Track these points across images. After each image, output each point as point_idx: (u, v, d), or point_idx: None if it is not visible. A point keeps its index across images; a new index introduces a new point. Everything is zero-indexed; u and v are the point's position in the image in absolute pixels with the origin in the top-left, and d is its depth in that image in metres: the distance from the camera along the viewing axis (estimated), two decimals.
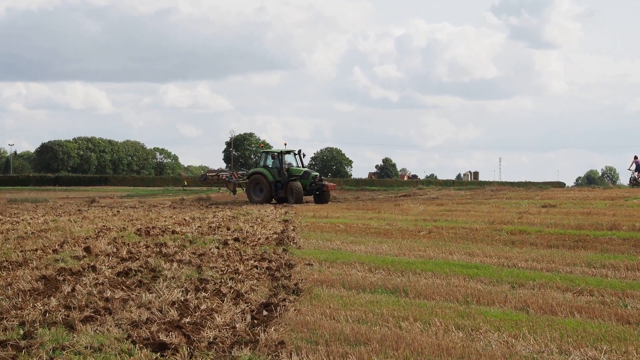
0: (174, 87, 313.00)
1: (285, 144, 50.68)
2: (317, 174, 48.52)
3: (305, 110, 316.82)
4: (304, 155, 50.06)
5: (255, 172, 48.92)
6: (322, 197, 47.57)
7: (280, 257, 16.65)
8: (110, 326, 9.47)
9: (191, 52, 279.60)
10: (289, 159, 49.09)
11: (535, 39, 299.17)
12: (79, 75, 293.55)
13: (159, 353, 8.32)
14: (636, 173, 55.29)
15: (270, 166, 48.07)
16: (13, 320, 9.70)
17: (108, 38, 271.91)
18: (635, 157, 55.42)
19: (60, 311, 10.24)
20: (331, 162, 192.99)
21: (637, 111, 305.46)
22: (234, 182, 53.42)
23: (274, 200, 47.73)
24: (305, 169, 48.04)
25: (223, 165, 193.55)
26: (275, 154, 48.59)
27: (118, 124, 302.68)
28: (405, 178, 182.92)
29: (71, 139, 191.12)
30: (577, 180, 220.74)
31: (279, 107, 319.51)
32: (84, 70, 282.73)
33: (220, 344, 8.73)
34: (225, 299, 11.33)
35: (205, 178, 56.14)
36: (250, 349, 8.56)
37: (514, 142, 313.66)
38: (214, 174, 56.01)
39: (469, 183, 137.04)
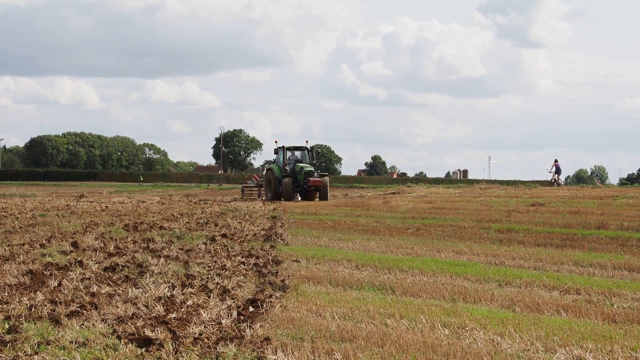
0: (162, 83, 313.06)
1: (307, 141, 49.32)
2: (312, 169, 46.65)
3: (293, 107, 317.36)
4: (318, 153, 49.28)
5: (268, 169, 48.45)
6: (319, 193, 46.10)
7: (268, 254, 16.63)
8: (96, 321, 9.44)
9: (179, 48, 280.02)
10: (299, 155, 48.20)
11: (522, 37, 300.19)
12: (67, 70, 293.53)
13: (144, 348, 8.29)
14: (556, 175, 59.51)
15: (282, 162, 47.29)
16: None
17: (96, 33, 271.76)
18: (556, 161, 59.30)
19: (46, 306, 10.20)
20: (320, 159, 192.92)
21: (625, 110, 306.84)
22: (257, 184, 53.77)
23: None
24: (303, 164, 46.73)
25: (212, 162, 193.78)
26: (279, 149, 47.65)
27: (106, 119, 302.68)
28: (395, 176, 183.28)
29: (60, 134, 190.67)
30: (566, 179, 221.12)
31: (267, 104, 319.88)
32: (72, 65, 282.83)
33: (206, 340, 8.71)
34: (212, 294, 11.30)
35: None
36: (235, 344, 8.53)
37: (502, 141, 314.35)
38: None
39: (458, 181, 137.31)
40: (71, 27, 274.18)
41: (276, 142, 48.26)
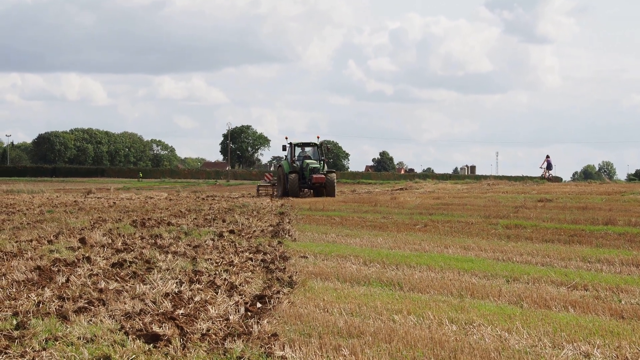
0: (169, 79, 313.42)
1: (318, 137, 49.04)
2: (317, 165, 46.13)
3: (300, 103, 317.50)
4: (328, 149, 48.97)
5: (279, 165, 48.21)
6: (325, 190, 45.35)
7: (275, 250, 16.63)
8: (104, 317, 9.45)
9: (185, 44, 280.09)
10: (309, 151, 47.81)
11: (529, 33, 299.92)
12: (74, 66, 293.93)
13: (152, 344, 8.29)
14: (547, 170, 61.84)
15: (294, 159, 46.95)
16: (6, 311, 9.68)
17: (102, 30, 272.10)
18: (547, 157, 61.78)
19: (54, 302, 10.22)
20: (329, 155, 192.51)
21: (631, 106, 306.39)
22: (271, 183, 53.38)
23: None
24: (310, 160, 46.36)
25: (220, 158, 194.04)
26: (287, 145, 47.28)
27: (113, 116, 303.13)
28: (402, 171, 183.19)
29: (68, 130, 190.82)
30: (573, 175, 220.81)
31: (274, 100, 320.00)
32: (79, 61, 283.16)
33: (214, 336, 8.72)
34: (219, 291, 11.31)
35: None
36: (243, 340, 8.54)
37: (509, 137, 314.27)
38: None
39: (466, 177, 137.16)
40: (77, 23, 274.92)
41: (286, 138, 47.86)
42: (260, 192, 53.55)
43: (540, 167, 62.61)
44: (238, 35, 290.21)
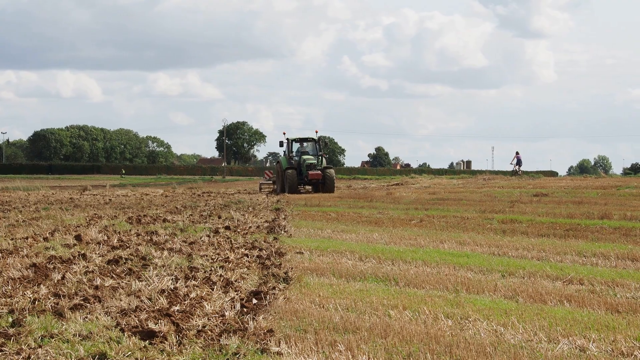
0: (164, 75, 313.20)
1: (317, 132, 48.40)
2: (314, 161, 45.33)
3: (295, 99, 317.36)
4: (325, 144, 48.70)
5: (278, 161, 47.85)
6: (323, 186, 44.78)
7: (271, 246, 16.64)
8: (100, 314, 9.45)
9: (180, 40, 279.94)
10: (306, 146, 47.36)
11: (523, 28, 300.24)
12: (69, 63, 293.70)
13: (147, 341, 8.29)
14: (517, 167, 63.38)
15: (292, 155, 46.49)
16: (2, 308, 9.67)
17: (97, 26, 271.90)
18: (517, 153, 63.20)
19: (49, 299, 10.22)
20: (325, 150, 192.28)
21: (626, 101, 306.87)
22: (271, 181, 53.08)
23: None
24: (308, 156, 45.76)
25: (216, 154, 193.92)
26: (284, 141, 46.60)
27: (109, 112, 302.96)
28: (398, 167, 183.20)
29: (64, 127, 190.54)
30: (569, 169, 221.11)
31: (269, 96, 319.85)
32: (74, 58, 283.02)
33: (209, 332, 8.72)
34: (215, 287, 11.31)
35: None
36: (239, 336, 8.54)
37: (504, 132, 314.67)
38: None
39: (462, 172, 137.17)
40: (72, 20, 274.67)
41: (284, 133, 47.37)
42: (263, 189, 53.32)
43: (511, 164, 63.92)
44: (233, 31, 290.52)
